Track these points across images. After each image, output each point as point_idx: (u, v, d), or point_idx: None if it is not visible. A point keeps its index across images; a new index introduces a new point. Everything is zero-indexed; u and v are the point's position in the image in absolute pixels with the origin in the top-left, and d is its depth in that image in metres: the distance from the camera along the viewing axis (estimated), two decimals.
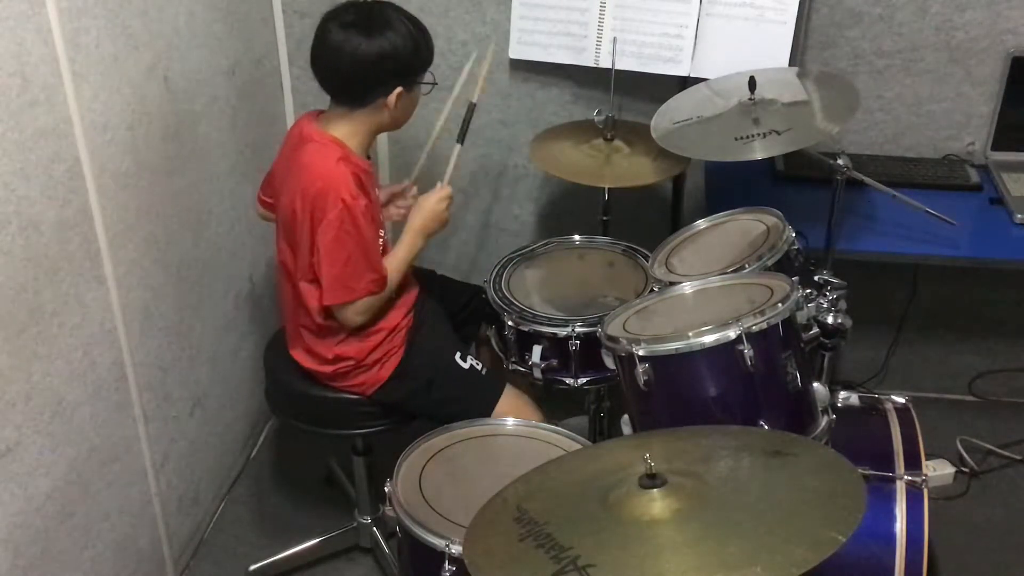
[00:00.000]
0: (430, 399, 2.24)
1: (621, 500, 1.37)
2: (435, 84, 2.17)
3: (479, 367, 2.26)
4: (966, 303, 2.94)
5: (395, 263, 2.18)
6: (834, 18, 2.64)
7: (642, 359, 1.77)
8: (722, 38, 2.55)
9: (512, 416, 2.14)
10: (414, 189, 2.41)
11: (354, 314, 2.13)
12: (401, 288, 2.24)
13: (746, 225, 2.23)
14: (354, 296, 2.10)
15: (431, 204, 2.24)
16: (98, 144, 1.99)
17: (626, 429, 1.91)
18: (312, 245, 2.07)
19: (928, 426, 2.00)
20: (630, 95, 2.71)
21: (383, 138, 2.92)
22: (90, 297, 2.01)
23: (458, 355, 2.25)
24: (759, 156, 2.14)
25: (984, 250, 2.47)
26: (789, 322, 1.80)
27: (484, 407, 2.20)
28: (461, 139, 2.33)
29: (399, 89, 2.08)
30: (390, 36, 2.04)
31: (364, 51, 2.03)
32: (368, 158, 2.18)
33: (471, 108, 2.34)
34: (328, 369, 2.23)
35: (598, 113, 2.50)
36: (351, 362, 2.20)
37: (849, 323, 2.10)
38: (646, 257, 2.39)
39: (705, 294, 2.01)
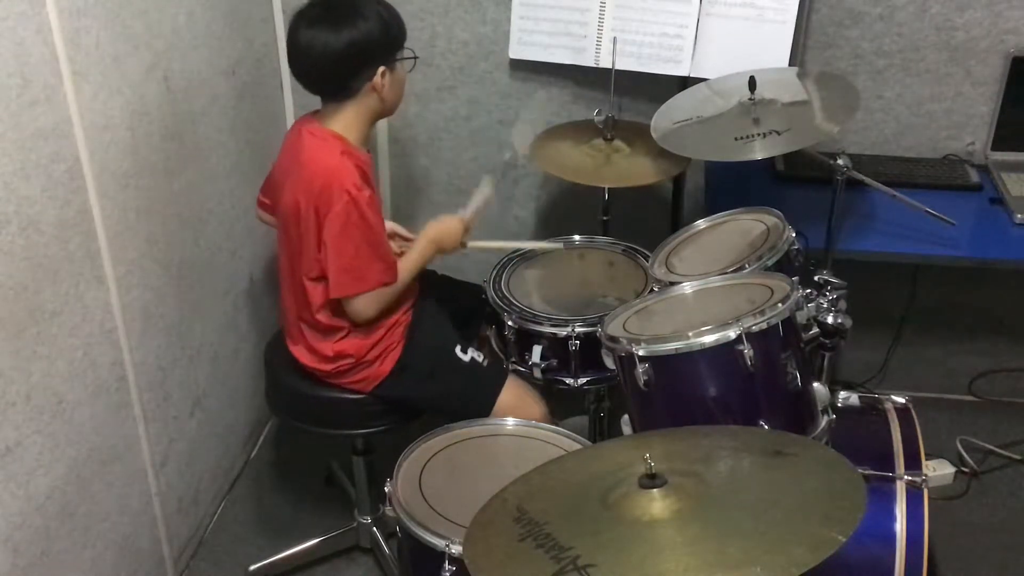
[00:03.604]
0: (431, 392, 2.24)
1: (621, 500, 1.37)
2: (416, 57, 2.17)
3: (480, 359, 2.26)
4: (966, 303, 2.94)
5: (406, 265, 2.20)
6: (834, 18, 2.64)
7: (642, 359, 1.77)
8: (722, 38, 2.55)
9: (515, 407, 2.14)
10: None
11: (365, 306, 2.13)
12: None
13: (746, 225, 2.23)
14: (365, 287, 2.10)
15: (451, 223, 2.28)
16: (98, 144, 1.99)
17: (626, 429, 1.91)
18: (318, 240, 2.07)
19: (928, 426, 2.00)
20: (630, 95, 2.71)
21: (383, 139, 2.92)
22: (90, 297, 2.01)
23: (458, 348, 2.25)
24: (759, 156, 2.14)
25: (984, 250, 2.47)
26: (789, 322, 1.80)
27: (486, 399, 2.20)
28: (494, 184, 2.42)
29: (382, 69, 2.08)
30: (359, 23, 2.04)
31: (335, 44, 2.03)
32: (368, 151, 2.18)
33: (512, 158, 2.46)
34: (328, 367, 2.23)
35: (598, 113, 2.50)
36: (351, 359, 2.20)
37: (849, 323, 2.09)
38: (646, 257, 2.39)
39: (705, 294, 2.01)
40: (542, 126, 2.47)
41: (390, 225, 2.37)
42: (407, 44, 2.16)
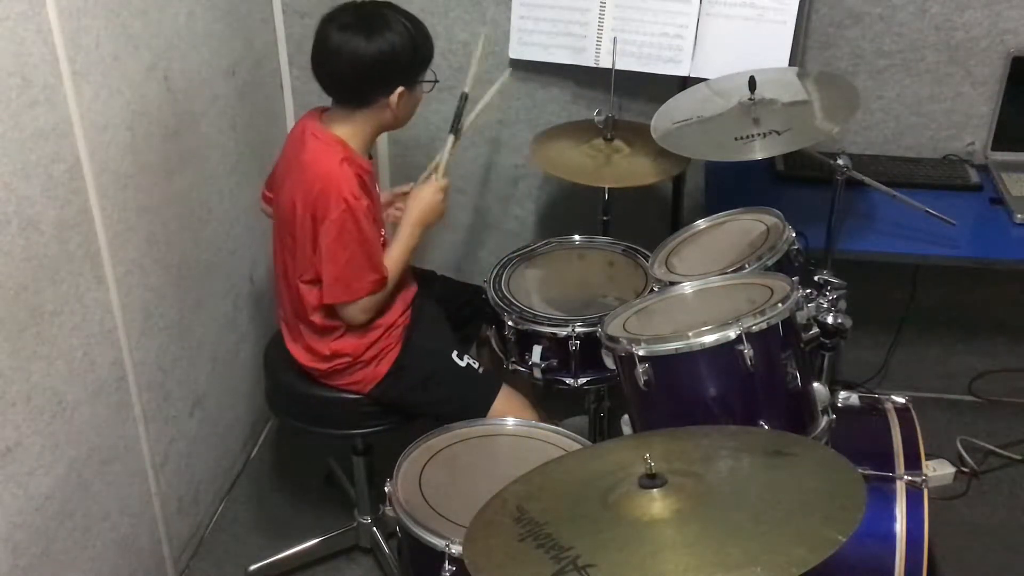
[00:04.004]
0: (427, 396, 2.24)
1: (621, 500, 1.37)
2: (436, 82, 2.18)
3: (476, 366, 2.27)
4: (966, 303, 2.94)
5: (395, 256, 2.19)
6: (834, 18, 2.64)
7: (642, 359, 1.77)
8: (722, 38, 2.55)
9: (508, 415, 2.14)
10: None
11: (357, 312, 2.14)
12: (399, 285, 2.24)
13: (746, 225, 2.23)
14: (353, 296, 2.11)
15: (428, 195, 2.25)
16: (98, 144, 1.99)
17: (626, 429, 1.91)
18: (314, 244, 2.08)
19: (928, 426, 2.00)
20: (630, 95, 2.71)
21: (383, 138, 2.92)
22: (90, 297, 2.01)
23: (455, 353, 2.25)
24: (759, 156, 2.14)
25: (984, 250, 2.47)
26: (789, 322, 1.80)
27: (480, 406, 2.20)
28: (454, 130, 2.34)
29: (401, 88, 2.08)
30: (389, 36, 2.04)
31: (364, 52, 2.03)
32: (370, 158, 2.18)
33: (463, 98, 2.35)
34: (324, 366, 2.23)
35: (598, 113, 2.50)
36: (347, 359, 2.20)
37: (849, 323, 2.09)
38: (646, 257, 2.39)
39: (705, 294, 2.01)
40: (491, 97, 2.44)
41: (386, 194, 2.37)
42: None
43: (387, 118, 2.14)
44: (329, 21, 2.07)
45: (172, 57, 2.25)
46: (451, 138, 2.33)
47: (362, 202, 2.06)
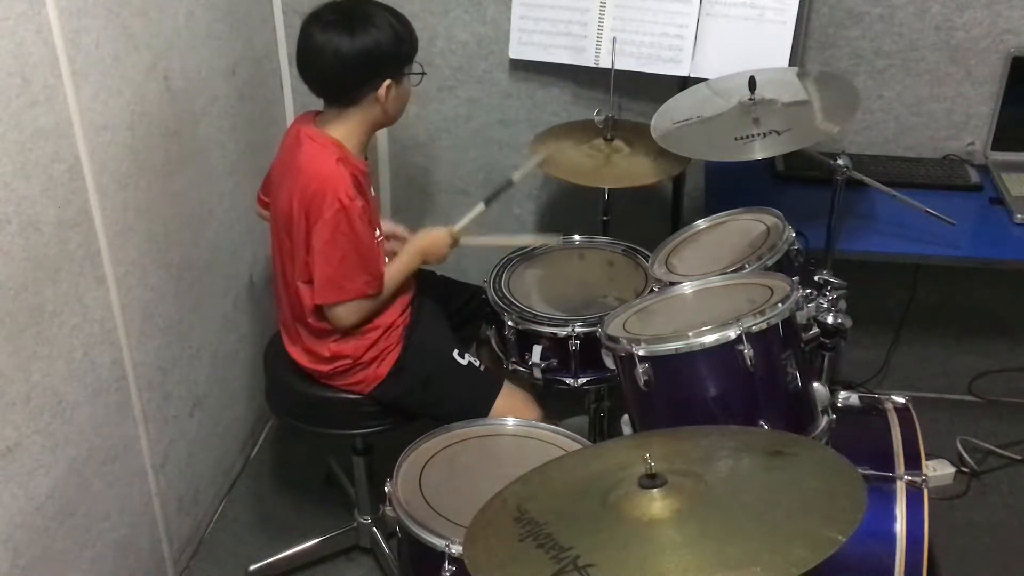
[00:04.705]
0: (428, 396, 2.24)
1: (621, 500, 1.37)
2: (423, 73, 2.17)
3: (477, 364, 2.27)
4: (966, 303, 2.94)
5: (391, 274, 2.20)
6: (834, 18, 2.64)
7: (642, 359, 1.77)
8: (722, 38, 2.55)
9: (511, 414, 2.14)
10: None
11: (345, 314, 2.13)
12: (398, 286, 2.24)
13: (746, 225, 2.23)
14: (345, 296, 2.11)
15: (438, 236, 2.28)
16: (98, 144, 1.99)
17: (626, 429, 1.91)
18: (308, 244, 2.08)
19: (928, 426, 2.00)
20: (630, 95, 2.71)
21: (383, 139, 2.92)
22: (90, 297, 2.01)
23: (456, 352, 2.25)
24: (759, 156, 2.14)
25: (984, 250, 2.47)
26: (789, 322, 1.80)
27: (483, 404, 2.20)
28: (487, 202, 2.40)
29: (388, 82, 2.08)
30: (372, 31, 2.04)
31: (347, 49, 2.03)
32: (365, 159, 2.18)
33: (508, 183, 2.43)
34: (325, 368, 2.23)
35: (598, 113, 2.50)
36: (348, 360, 2.20)
37: (849, 323, 2.10)
38: (646, 257, 2.39)
39: (705, 294, 2.01)
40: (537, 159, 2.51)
41: (389, 225, 2.37)
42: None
43: (377, 114, 2.13)
44: (312, 20, 2.07)
45: (172, 57, 2.25)
46: (481, 206, 2.38)
47: (357, 203, 2.06)
